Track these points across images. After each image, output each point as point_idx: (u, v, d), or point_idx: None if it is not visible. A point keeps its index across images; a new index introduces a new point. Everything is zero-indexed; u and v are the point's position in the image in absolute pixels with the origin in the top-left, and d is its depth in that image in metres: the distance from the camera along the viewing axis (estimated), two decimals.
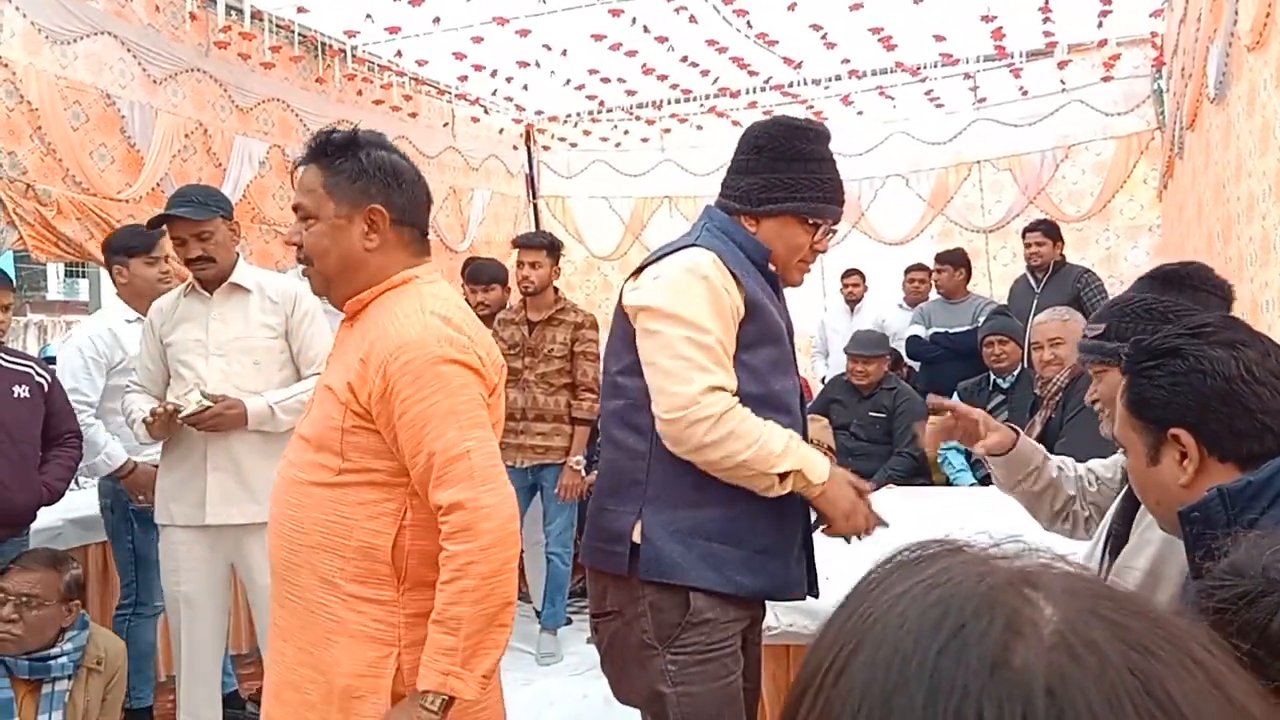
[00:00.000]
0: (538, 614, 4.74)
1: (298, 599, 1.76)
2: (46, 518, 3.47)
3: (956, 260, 6.00)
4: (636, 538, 1.97)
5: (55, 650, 2.74)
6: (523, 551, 4.80)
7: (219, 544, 2.98)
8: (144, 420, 2.95)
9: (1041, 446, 2.07)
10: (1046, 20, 5.95)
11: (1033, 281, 5.62)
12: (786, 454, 1.92)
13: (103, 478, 3.58)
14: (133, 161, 4.85)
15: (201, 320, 3.02)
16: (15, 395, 3.16)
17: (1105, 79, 6.78)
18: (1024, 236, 5.76)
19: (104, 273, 4.12)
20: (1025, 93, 7.10)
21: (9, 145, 4.27)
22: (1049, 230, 5.63)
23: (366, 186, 1.78)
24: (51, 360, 3.79)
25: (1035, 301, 5.30)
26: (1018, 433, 2.03)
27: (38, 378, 3.26)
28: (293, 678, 1.77)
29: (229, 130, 5.46)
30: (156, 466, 3.45)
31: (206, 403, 2.85)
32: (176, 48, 5.12)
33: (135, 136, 4.86)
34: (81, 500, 3.95)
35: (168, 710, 3.72)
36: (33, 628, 2.68)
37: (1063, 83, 6.89)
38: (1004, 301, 5.87)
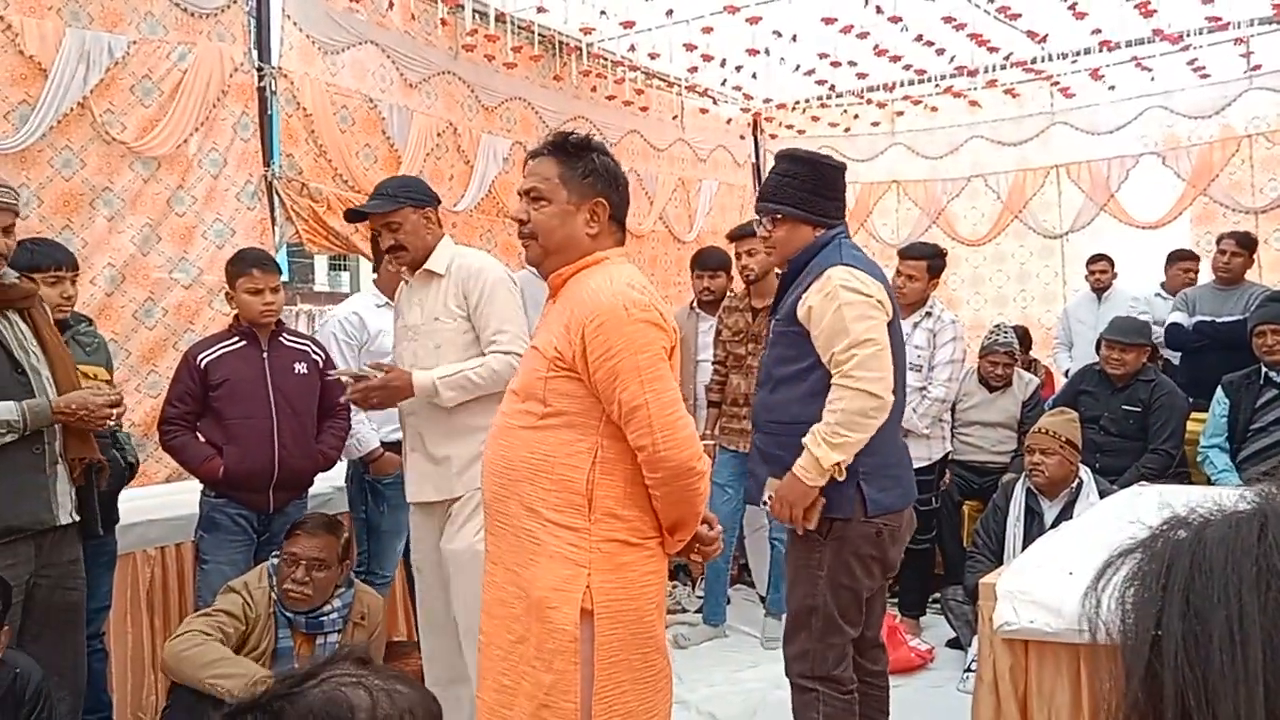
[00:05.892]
0: (762, 599, 4.77)
1: (506, 527, 2.08)
2: (319, 484, 3.81)
3: (1249, 242, 5.48)
4: None
5: (327, 608, 3.05)
6: (744, 537, 4.90)
7: (430, 519, 3.11)
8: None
9: None
10: None
11: None
12: None
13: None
14: (392, 160, 5.25)
15: (406, 305, 3.16)
16: (296, 371, 3.51)
17: None
18: None
19: (364, 265, 4.48)
20: None
21: (287, 148, 4.74)
22: None
23: (595, 183, 2.13)
24: None
25: None
26: None
27: (314, 355, 3.60)
28: (502, 595, 2.07)
29: (476, 129, 5.80)
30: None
31: (366, 370, 2.93)
32: (429, 52, 5.49)
33: (394, 137, 5.26)
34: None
35: (416, 667, 4.02)
36: (319, 587, 3.00)
37: None
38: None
